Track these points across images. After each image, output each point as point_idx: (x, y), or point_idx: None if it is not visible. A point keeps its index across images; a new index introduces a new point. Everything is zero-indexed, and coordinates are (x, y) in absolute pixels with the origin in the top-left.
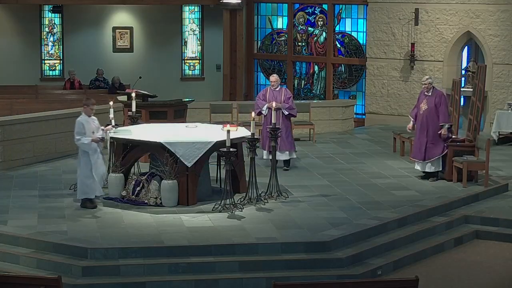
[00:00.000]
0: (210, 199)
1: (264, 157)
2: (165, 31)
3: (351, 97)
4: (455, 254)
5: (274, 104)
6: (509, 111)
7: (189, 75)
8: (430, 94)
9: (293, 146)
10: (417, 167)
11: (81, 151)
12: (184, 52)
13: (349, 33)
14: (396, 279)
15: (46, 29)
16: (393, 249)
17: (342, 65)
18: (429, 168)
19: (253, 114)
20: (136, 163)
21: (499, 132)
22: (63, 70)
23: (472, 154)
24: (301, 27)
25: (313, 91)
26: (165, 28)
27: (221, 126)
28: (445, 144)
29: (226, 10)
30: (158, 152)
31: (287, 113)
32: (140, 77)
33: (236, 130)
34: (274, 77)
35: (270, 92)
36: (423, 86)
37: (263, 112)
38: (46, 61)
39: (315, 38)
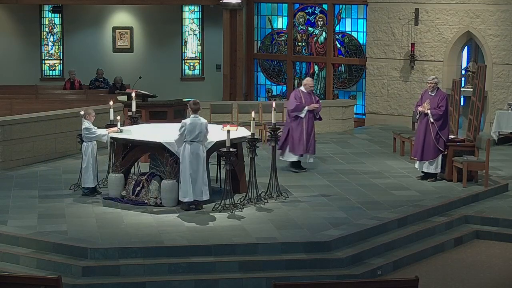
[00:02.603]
0: (210, 199)
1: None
2: (165, 31)
3: (351, 97)
4: (455, 254)
5: (312, 106)
6: (509, 111)
7: (189, 75)
8: (434, 94)
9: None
10: (417, 165)
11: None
12: (184, 52)
13: (349, 33)
14: (396, 279)
15: (46, 29)
16: (393, 249)
17: (342, 65)
18: (427, 168)
19: (252, 114)
20: (136, 163)
21: (499, 132)
22: (63, 70)
23: (472, 154)
24: (301, 27)
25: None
26: (165, 28)
27: (221, 126)
28: (443, 148)
29: (226, 10)
30: (158, 152)
31: (318, 116)
32: (140, 77)
33: (236, 130)
34: (311, 81)
35: (304, 95)
36: (428, 85)
37: (302, 115)
38: (46, 61)
39: (315, 38)
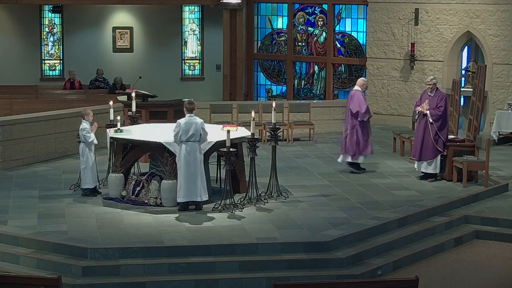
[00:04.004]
0: (210, 199)
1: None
2: (165, 31)
3: None
4: (455, 254)
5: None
6: (509, 111)
7: (189, 75)
8: (433, 94)
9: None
10: (416, 166)
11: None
12: (184, 52)
13: (349, 33)
14: (396, 279)
15: (46, 29)
16: (393, 249)
17: (342, 65)
18: (425, 168)
19: (252, 114)
20: (136, 163)
21: (499, 132)
22: (63, 70)
23: (472, 154)
24: (301, 27)
25: (313, 91)
26: (165, 28)
27: (221, 126)
28: (442, 148)
29: (226, 10)
30: (158, 152)
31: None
32: (140, 77)
33: (236, 130)
34: (366, 81)
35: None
36: (427, 86)
37: (366, 118)
38: (46, 61)
39: (315, 38)
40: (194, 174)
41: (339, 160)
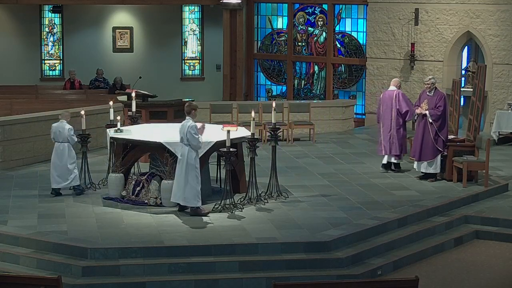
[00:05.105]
0: (210, 199)
1: (385, 161)
2: (165, 31)
3: (351, 97)
4: (455, 254)
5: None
6: (509, 111)
7: (189, 75)
8: (432, 94)
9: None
10: (415, 166)
11: (196, 156)
12: (184, 52)
13: (349, 33)
14: (396, 279)
15: (46, 29)
16: (393, 249)
17: (342, 65)
18: (425, 168)
19: (252, 114)
20: (136, 163)
21: (499, 132)
22: (63, 70)
23: (472, 154)
24: (301, 27)
25: (313, 91)
26: (165, 28)
27: (221, 126)
28: (442, 148)
29: (226, 10)
30: (158, 152)
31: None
32: (140, 77)
33: (236, 130)
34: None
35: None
36: (425, 86)
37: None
38: (46, 61)
39: (315, 38)
40: (180, 176)
41: (384, 161)
